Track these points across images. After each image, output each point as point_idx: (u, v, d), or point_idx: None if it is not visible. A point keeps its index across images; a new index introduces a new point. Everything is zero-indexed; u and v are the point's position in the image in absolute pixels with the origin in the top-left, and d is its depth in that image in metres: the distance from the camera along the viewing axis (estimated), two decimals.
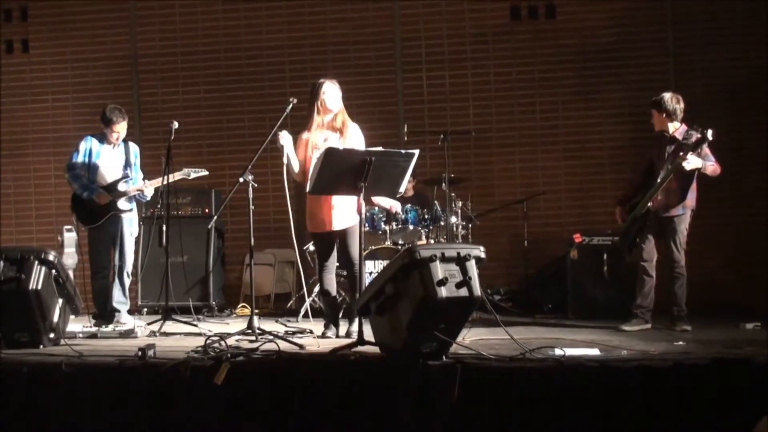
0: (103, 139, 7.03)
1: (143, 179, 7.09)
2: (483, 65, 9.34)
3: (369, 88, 9.09)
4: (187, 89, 9.71)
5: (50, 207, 9.70)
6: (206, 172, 7.45)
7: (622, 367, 4.45)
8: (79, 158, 6.97)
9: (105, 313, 6.95)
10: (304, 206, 6.13)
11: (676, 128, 6.46)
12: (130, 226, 7.07)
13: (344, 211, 5.97)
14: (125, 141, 7.10)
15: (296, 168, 6.08)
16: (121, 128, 6.96)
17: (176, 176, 7.10)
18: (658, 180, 6.31)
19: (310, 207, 6.08)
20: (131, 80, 9.77)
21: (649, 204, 6.37)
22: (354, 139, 6.04)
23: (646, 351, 5.01)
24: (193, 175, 7.24)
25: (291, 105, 6.06)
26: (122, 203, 6.97)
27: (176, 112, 9.26)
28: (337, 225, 6.01)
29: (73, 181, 6.96)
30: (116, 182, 6.97)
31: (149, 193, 7.05)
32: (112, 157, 7.04)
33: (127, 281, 7.07)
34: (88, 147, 6.98)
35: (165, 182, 6.95)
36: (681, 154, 6.16)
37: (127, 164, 7.05)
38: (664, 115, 6.46)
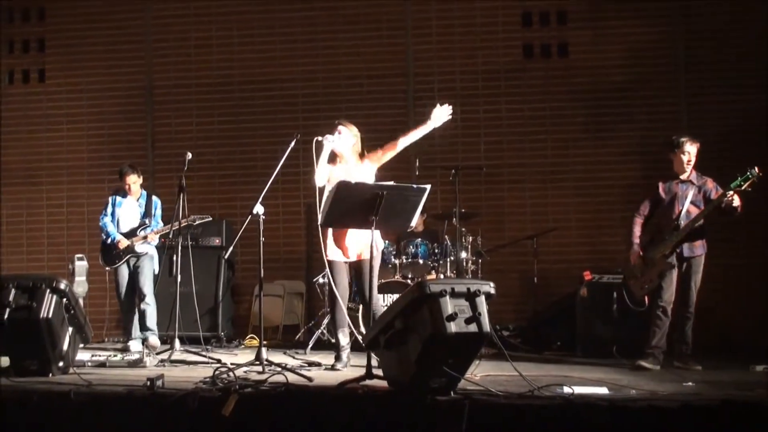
0: (124, 193, 7.95)
1: (155, 226, 7.91)
2: (495, 101, 9.40)
3: (381, 122, 9.10)
4: (201, 120, 9.78)
5: (62, 235, 9.76)
6: (210, 218, 7.89)
7: (631, 406, 4.42)
8: (108, 210, 7.96)
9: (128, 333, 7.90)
10: (318, 237, 6.09)
11: (690, 171, 6.56)
12: (151, 262, 7.88)
13: (364, 243, 5.96)
14: (149, 194, 8.06)
15: (321, 179, 6.11)
16: (131, 180, 7.88)
17: (183, 223, 7.40)
18: (697, 218, 6.38)
19: (331, 235, 6.11)
20: (145, 111, 9.86)
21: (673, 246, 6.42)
22: (366, 173, 6.15)
23: (655, 391, 5.00)
24: (198, 222, 7.70)
25: (294, 140, 6.14)
26: (139, 247, 7.81)
27: (189, 142, 9.34)
28: (353, 256, 6.07)
29: (102, 231, 7.91)
30: (135, 229, 7.87)
31: (154, 242, 7.88)
32: (131, 208, 7.98)
33: (149, 310, 7.74)
34: (112, 201, 7.98)
35: (176, 222, 7.28)
36: (729, 193, 6.22)
37: (147, 214, 7.94)
38: (686, 158, 6.52)
